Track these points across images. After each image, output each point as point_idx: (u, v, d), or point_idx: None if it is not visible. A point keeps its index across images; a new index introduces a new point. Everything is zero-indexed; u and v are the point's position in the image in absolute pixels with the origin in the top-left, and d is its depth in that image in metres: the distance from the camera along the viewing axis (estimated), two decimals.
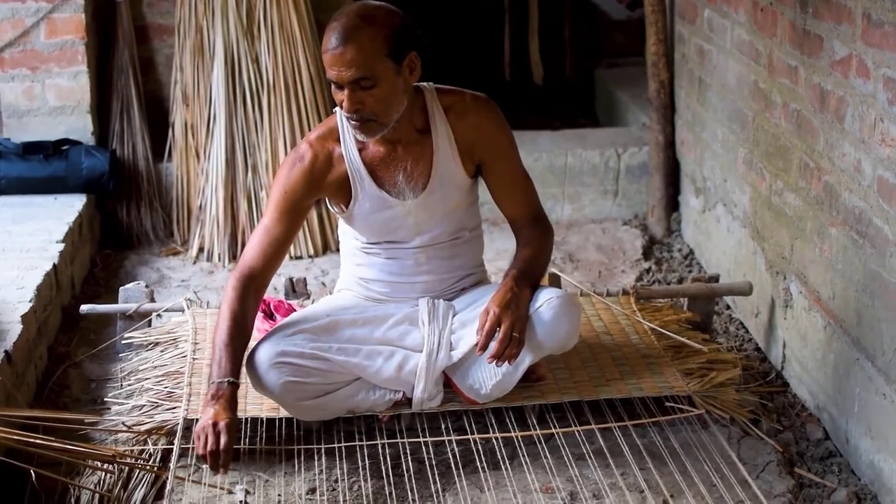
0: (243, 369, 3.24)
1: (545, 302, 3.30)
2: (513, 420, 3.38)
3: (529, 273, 3.31)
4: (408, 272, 3.42)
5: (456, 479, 3.15)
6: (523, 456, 3.23)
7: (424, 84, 3.31)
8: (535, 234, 3.40)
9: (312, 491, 3.13)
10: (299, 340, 3.23)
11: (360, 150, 3.28)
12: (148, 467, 3.18)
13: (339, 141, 3.28)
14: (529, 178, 3.45)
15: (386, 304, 3.43)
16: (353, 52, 3.04)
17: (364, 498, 3.09)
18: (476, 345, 3.25)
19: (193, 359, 3.57)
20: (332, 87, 3.13)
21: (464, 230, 3.44)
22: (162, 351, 3.70)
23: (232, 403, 3.04)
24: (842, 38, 3.31)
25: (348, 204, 3.32)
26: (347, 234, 3.46)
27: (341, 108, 3.14)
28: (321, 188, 3.30)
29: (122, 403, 3.48)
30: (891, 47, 3.02)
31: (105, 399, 3.61)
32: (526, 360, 3.30)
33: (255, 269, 3.23)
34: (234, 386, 3.07)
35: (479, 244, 3.54)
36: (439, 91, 3.34)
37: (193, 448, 3.00)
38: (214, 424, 2.97)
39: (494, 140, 3.35)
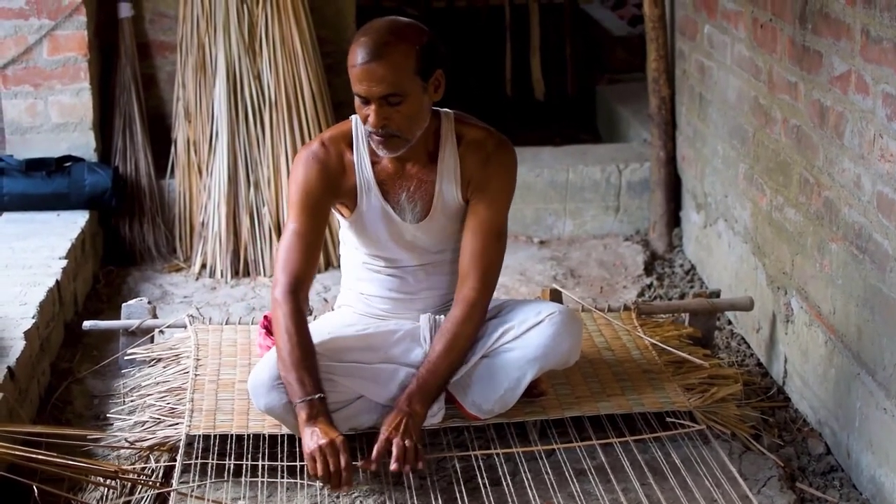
0: (247, 386, 3.26)
1: (547, 317, 3.30)
2: (514, 435, 3.38)
3: (431, 387, 3.20)
4: (408, 289, 3.42)
5: (457, 494, 3.14)
6: (525, 471, 3.23)
7: (445, 110, 3.31)
8: (460, 325, 3.25)
9: None
10: None
11: (372, 162, 3.27)
12: (150, 483, 3.18)
13: (352, 148, 3.28)
14: (502, 242, 3.32)
15: (387, 320, 3.43)
16: (385, 68, 3.04)
17: None
18: (481, 357, 3.29)
19: (196, 375, 3.57)
20: (357, 100, 3.11)
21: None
22: (164, 367, 3.71)
23: (330, 419, 3.08)
24: (841, 54, 3.32)
25: (350, 213, 3.32)
26: (349, 247, 3.45)
27: (365, 122, 3.13)
28: (336, 188, 3.27)
29: (125, 419, 3.49)
30: (889, 63, 3.03)
31: (107, 415, 3.61)
32: (528, 375, 3.30)
33: (299, 278, 3.21)
34: (324, 401, 3.09)
35: None
36: (458, 120, 3.32)
37: (307, 469, 3.04)
38: (331, 443, 3.00)
39: (492, 181, 3.29)
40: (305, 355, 3.12)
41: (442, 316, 3.38)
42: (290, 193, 3.30)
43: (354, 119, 3.29)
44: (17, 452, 3.00)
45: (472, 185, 3.29)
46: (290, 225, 3.25)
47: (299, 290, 3.21)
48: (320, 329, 3.41)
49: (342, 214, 3.35)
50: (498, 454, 3.31)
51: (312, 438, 3.02)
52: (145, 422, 3.42)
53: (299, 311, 3.18)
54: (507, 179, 3.32)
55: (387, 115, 3.09)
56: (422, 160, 3.28)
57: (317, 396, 3.08)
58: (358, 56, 3.06)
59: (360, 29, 3.13)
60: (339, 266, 4.91)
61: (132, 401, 3.57)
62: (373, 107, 3.08)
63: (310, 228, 3.24)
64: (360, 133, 3.27)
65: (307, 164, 3.25)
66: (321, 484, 3.09)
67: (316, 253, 3.28)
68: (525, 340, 3.30)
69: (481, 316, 3.29)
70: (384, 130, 3.11)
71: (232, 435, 3.31)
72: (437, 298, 3.44)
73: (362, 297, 3.46)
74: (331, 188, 3.27)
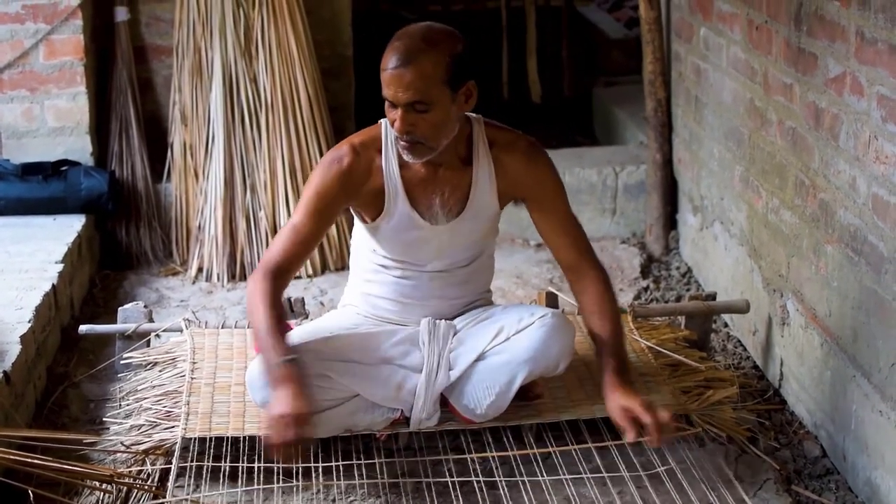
0: (245, 379, 3.28)
1: (538, 319, 3.30)
2: (510, 439, 3.38)
3: (624, 358, 3.30)
4: (418, 294, 3.42)
5: (453, 498, 3.14)
6: (520, 475, 3.23)
7: (472, 115, 3.32)
8: (604, 296, 3.34)
9: None
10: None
11: (400, 167, 3.27)
12: (146, 487, 3.18)
13: (381, 152, 3.27)
14: (578, 223, 3.40)
15: (388, 323, 3.43)
16: (413, 75, 3.04)
17: None
18: (475, 361, 3.29)
19: (192, 378, 3.57)
20: (386, 104, 3.12)
21: (481, 255, 3.46)
22: (160, 371, 3.70)
23: (298, 383, 2.99)
24: (836, 55, 3.32)
25: (375, 217, 3.32)
26: (362, 248, 3.44)
27: (392, 126, 3.14)
28: (355, 195, 3.27)
29: (121, 423, 3.49)
30: (884, 65, 3.03)
31: (103, 419, 3.61)
32: (518, 377, 3.29)
33: (280, 266, 3.20)
34: (295, 362, 3.04)
35: (491, 270, 3.55)
36: (487, 125, 3.33)
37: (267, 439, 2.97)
38: (281, 416, 2.93)
39: (542, 183, 3.34)
40: (276, 323, 3.08)
41: (442, 321, 3.38)
42: (305, 188, 3.29)
43: (384, 123, 3.29)
44: (12, 457, 3.01)
45: (518, 190, 3.34)
46: (293, 218, 3.25)
47: (279, 277, 3.19)
48: (321, 327, 3.42)
49: (364, 219, 3.35)
50: (493, 457, 3.31)
51: (271, 406, 2.98)
52: (141, 425, 3.42)
53: (273, 289, 3.14)
54: (553, 174, 3.36)
55: (412, 121, 3.09)
56: (454, 165, 3.28)
57: (288, 358, 3.02)
58: (389, 61, 3.06)
59: (396, 33, 3.13)
60: (335, 270, 4.96)
61: (128, 404, 3.57)
62: (399, 112, 3.09)
63: (309, 229, 3.24)
64: (389, 137, 3.27)
65: (328, 167, 3.24)
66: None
67: (307, 251, 3.29)
68: (515, 342, 3.30)
69: (612, 286, 3.41)
70: (409, 137, 3.11)
71: (228, 438, 3.30)
72: (444, 307, 3.45)
73: (369, 298, 3.45)
74: (348, 194, 3.26)
